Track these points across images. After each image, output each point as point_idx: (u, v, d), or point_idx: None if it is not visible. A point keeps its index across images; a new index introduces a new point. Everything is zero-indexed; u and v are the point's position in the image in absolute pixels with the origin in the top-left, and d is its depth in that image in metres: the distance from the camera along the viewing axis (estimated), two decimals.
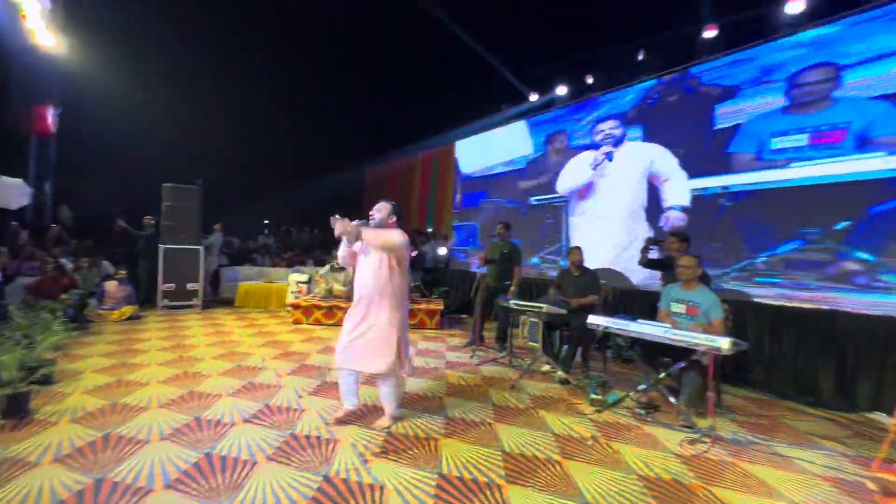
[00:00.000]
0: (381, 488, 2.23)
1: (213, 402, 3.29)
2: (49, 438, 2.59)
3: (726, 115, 5.16)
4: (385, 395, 3.04)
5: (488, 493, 2.24)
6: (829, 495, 2.38)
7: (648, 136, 6.09)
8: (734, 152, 5.04)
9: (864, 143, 4.08)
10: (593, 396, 3.64)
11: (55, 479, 2.17)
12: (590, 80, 7.38)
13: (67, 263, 6.50)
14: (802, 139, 4.48)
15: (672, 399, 3.31)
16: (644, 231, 5.83)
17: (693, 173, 5.45)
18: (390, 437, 2.83)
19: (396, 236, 2.93)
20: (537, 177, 7.79)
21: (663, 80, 5.99)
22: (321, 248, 11.14)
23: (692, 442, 2.95)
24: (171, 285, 7.27)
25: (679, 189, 5.57)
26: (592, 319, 3.59)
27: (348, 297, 6.74)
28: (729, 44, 5.33)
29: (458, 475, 2.40)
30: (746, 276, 4.80)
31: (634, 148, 6.24)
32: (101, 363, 4.15)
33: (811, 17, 4.65)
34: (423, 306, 6.82)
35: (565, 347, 4.57)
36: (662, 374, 3.40)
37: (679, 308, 3.64)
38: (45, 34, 7.78)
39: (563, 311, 4.16)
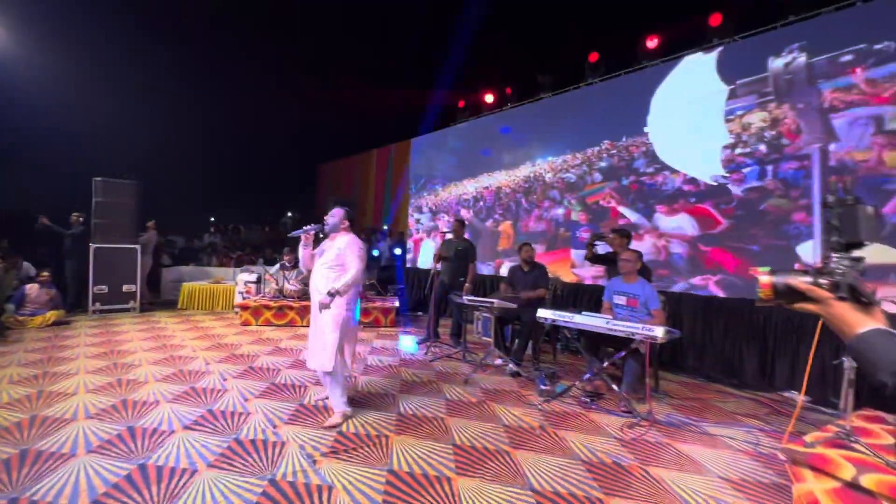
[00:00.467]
0: (330, 488, 2.20)
1: (149, 409, 3.10)
2: None
3: None
4: (331, 394, 3.08)
5: (438, 486, 2.27)
6: (748, 467, 2.61)
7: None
8: None
9: None
10: (542, 388, 3.76)
11: None
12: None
13: None
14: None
15: (614, 386, 3.49)
16: None
17: None
18: (340, 437, 2.79)
19: (353, 262, 3.11)
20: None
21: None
22: (272, 247, 10.76)
23: (631, 426, 3.13)
24: (104, 287, 6.76)
25: None
26: (541, 313, 3.71)
27: (300, 297, 6.57)
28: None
29: (409, 470, 2.41)
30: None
31: None
32: (19, 373, 3.80)
33: None
34: (378, 304, 6.76)
35: (517, 341, 4.69)
36: (605, 363, 3.57)
37: (621, 300, 3.84)
38: None
39: (514, 306, 4.27)
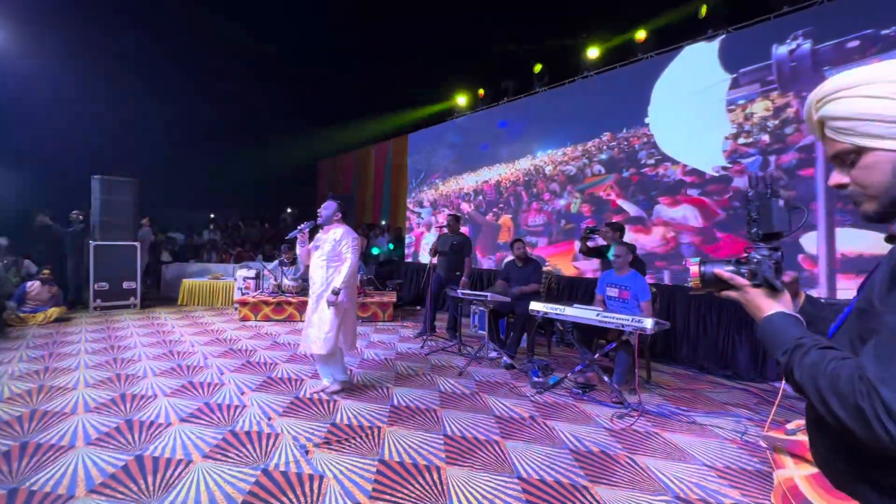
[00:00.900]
0: (321, 478, 2.25)
1: (147, 403, 3.16)
2: None
3: None
4: (332, 371, 3.40)
5: (427, 475, 2.32)
6: (733, 454, 2.66)
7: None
8: None
9: None
10: (535, 379, 3.81)
11: None
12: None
13: None
14: None
15: (606, 378, 3.53)
16: None
17: None
18: (333, 428, 2.84)
19: (348, 253, 3.29)
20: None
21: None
22: (270, 243, 10.81)
23: (621, 416, 3.17)
24: (105, 284, 6.83)
25: None
26: (533, 306, 3.75)
27: (298, 292, 6.62)
28: None
29: (399, 460, 2.46)
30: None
31: None
32: (20, 369, 3.87)
33: None
34: (376, 299, 6.81)
35: (511, 334, 4.74)
36: (596, 355, 3.61)
37: (613, 292, 3.88)
38: None
39: (507, 300, 4.31)
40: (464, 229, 8.12)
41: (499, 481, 2.28)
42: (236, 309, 6.76)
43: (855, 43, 4.04)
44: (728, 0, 5.06)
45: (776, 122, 4.52)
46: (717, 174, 4.92)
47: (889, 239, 0.69)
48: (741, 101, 4.77)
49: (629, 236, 5.53)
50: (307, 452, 2.51)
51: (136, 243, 7.18)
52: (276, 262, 7.36)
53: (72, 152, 9.12)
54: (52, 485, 2.11)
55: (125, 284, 7.03)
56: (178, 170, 11.84)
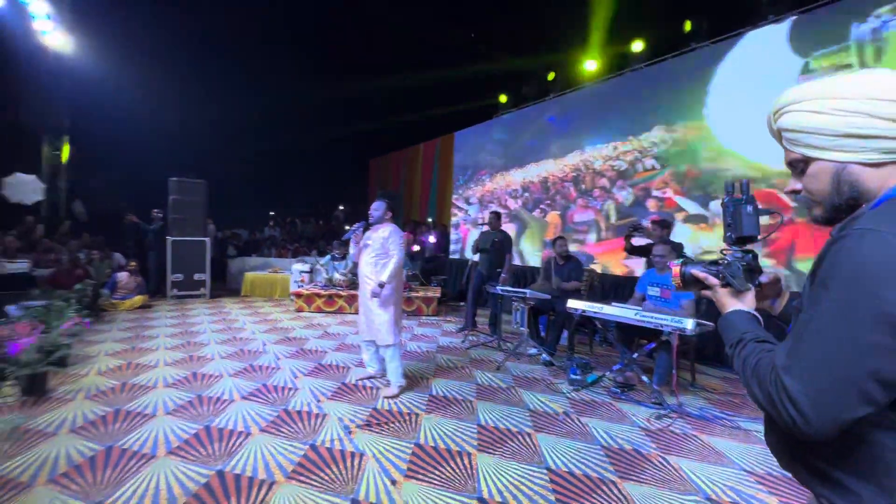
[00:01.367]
0: (361, 455, 2.46)
1: (215, 381, 3.55)
2: (65, 413, 2.87)
3: None
4: (390, 367, 3.47)
5: (458, 459, 2.46)
6: (773, 461, 2.56)
7: None
8: None
9: None
10: (573, 377, 3.83)
11: (71, 446, 2.44)
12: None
13: (81, 256, 6.83)
14: None
15: (645, 378, 3.49)
16: None
17: None
18: (375, 413, 3.06)
19: (395, 251, 3.48)
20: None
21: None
22: (324, 239, 11.40)
23: (659, 417, 3.13)
24: (180, 276, 7.58)
25: None
26: (571, 303, 3.77)
27: (348, 286, 6.99)
28: None
29: (434, 445, 2.62)
30: None
31: None
32: (113, 348, 4.45)
33: None
34: (420, 294, 7.04)
35: (551, 331, 4.75)
36: (635, 355, 3.57)
37: (655, 291, 3.81)
38: (54, 35, 8.04)
39: (547, 297, 4.35)
40: (510, 226, 8.18)
41: (527, 470, 2.37)
42: (292, 300, 7.26)
43: None
44: None
45: None
46: (783, 168, 4.60)
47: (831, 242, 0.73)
48: None
49: (685, 234, 5.35)
50: (350, 432, 2.73)
51: (206, 239, 7.89)
52: (328, 256, 7.80)
53: (150, 156, 10.13)
54: (139, 445, 2.47)
55: (196, 276, 7.76)
56: (241, 171, 12.76)
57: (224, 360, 4.18)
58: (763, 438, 2.56)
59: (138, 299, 6.69)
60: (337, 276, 7.21)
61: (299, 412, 3.01)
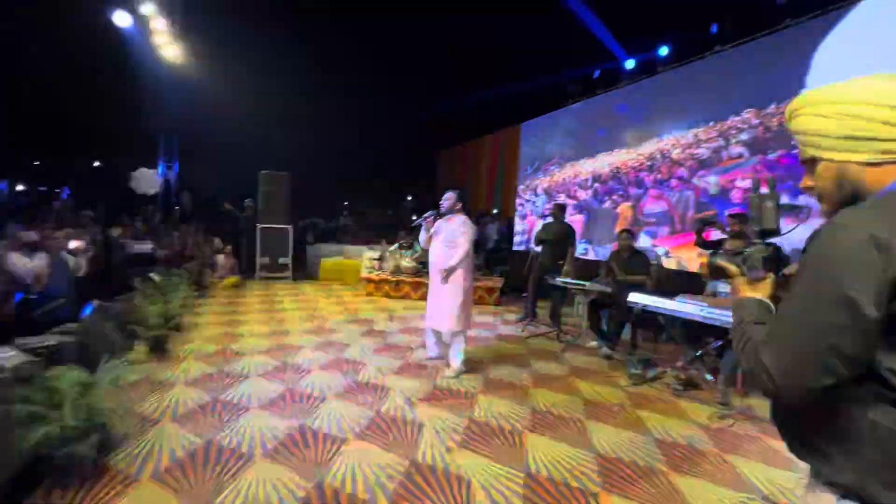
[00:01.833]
0: (421, 425, 2.70)
1: (297, 351, 4.02)
2: (182, 371, 3.45)
3: None
4: (453, 351, 3.68)
5: (509, 436, 2.62)
6: None
7: None
8: None
9: None
10: (632, 371, 3.79)
11: (175, 437, 2.40)
12: None
13: (189, 241, 7.88)
14: None
15: (709, 377, 3.38)
16: None
17: None
18: (436, 390, 3.30)
19: (463, 240, 3.61)
20: None
21: None
22: (394, 228, 11.96)
23: (722, 417, 3.04)
24: (267, 259, 8.46)
25: None
26: (632, 297, 3.72)
27: (415, 273, 7.35)
28: None
29: (486, 421, 2.80)
30: None
31: None
32: (214, 319, 5.16)
33: None
34: (483, 284, 7.21)
35: (612, 325, 4.69)
36: (699, 353, 3.46)
37: (725, 287, 3.63)
38: (170, 46, 9.22)
39: (607, 290, 4.30)
40: (579, 217, 8.05)
41: (574, 453, 2.47)
42: (363, 285, 7.79)
43: None
44: None
45: None
46: None
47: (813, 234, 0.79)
48: None
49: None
50: (412, 404, 3.00)
51: (289, 226, 8.69)
52: (396, 244, 8.24)
53: (244, 150, 11.29)
54: (237, 399, 2.93)
55: (280, 260, 8.60)
56: (319, 164, 13.72)
57: (304, 334, 4.68)
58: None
59: (233, 279, 7.58)
60: (404, 263, 7.60)
61: (367, 384, 3.35)
